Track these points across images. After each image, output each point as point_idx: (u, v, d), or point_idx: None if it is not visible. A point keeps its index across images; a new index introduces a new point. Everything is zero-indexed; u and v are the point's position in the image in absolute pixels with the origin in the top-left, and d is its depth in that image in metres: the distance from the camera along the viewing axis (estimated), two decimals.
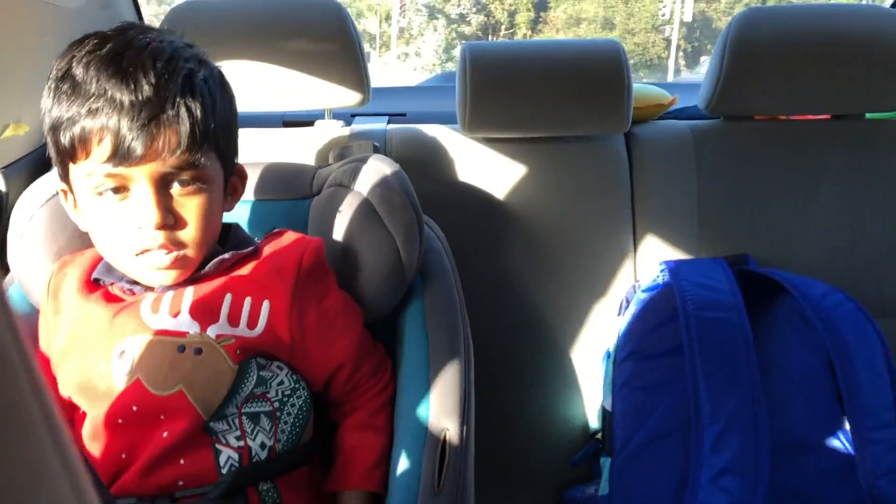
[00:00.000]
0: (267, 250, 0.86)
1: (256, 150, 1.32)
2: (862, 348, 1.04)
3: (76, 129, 0.72)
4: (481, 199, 1.33)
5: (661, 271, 1.11)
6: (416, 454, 0.83)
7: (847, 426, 1.00)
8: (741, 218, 1.30)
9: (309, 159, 1.28)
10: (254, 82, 1.25)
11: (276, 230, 0.92)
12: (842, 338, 1.03)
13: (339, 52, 1.24)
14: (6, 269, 0.93)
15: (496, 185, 1.34)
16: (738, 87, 1.30)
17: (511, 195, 1.34)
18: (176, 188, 0.77)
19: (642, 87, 1.45)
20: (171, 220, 0.76)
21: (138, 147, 0.71)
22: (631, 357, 1.06)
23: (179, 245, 0.78)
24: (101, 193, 0.75)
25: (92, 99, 0.71)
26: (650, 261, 1.30)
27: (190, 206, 0.78)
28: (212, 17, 1.25)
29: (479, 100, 1.26)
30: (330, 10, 1.25)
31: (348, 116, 1.47)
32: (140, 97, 0.71)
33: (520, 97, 1.28)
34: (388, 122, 1.42)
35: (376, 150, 1.22)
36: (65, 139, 0.74)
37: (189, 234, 0.78)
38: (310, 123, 1.40)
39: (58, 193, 0.87)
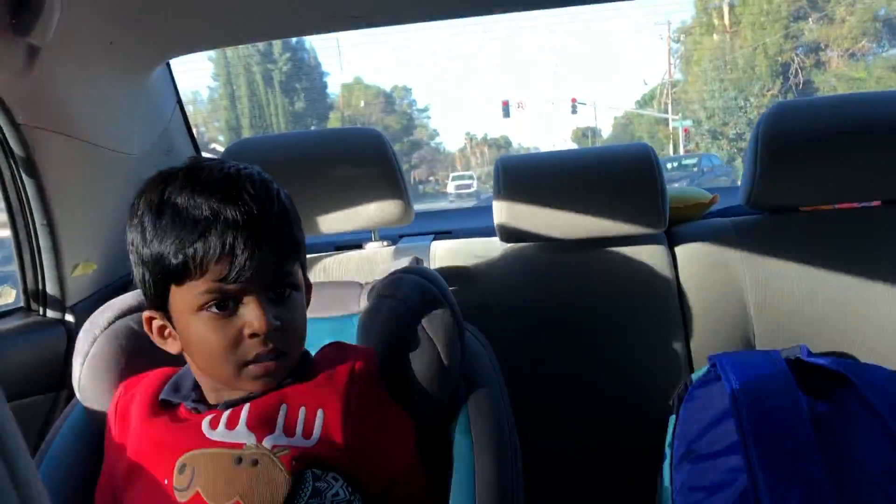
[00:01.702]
0: (320, 362, 0.89)
1: (312, 274, 1.39)
2: None
3: (189, 252, 0.77)
4: (527, 304, 1.34)
5: (711, 366, 1.09)
6: None
7: None
8: (794, 309, 1.27)
9: (360, 278, 1.33)
10: (305, 210, 1.33)
11: (329, 343, 0.96)
12: None
13: (381, 176, 1.31)
14: (72, 394, 0.98)
15: (541, 290, 1.35)
16: (777, 181, 1.30)
17: (555, 298, 1.34)
18: (276, 297, 0.82)
19: (681, 188, 1.47)
20: (279, 326, 0.80)
21: (251, 264, 0.77)
22: (687, 458, 1.02)
23: (283, 349, 0.82)
24: (205, 309, 0.79)
25: (203, 221, 0.77)
26: (704, 358, 1.27)
27: (290, 313, 0.83)
28: (263, 152, 1.36)
29: (512, 208, 1.30)
30: (370, 138, 1.34)
31: (396, 237, 1.54)
32: (249, 216, 0.77)
33: (552, 203, 1.31)
34: (434, 240, 1.47)
35: (418, 263, 1.27)
36: (176, 261, 0.77)
37: (292, 338, 0.83)
38: (359, 246, 1.47)
39: (141, 322, 0.87)
